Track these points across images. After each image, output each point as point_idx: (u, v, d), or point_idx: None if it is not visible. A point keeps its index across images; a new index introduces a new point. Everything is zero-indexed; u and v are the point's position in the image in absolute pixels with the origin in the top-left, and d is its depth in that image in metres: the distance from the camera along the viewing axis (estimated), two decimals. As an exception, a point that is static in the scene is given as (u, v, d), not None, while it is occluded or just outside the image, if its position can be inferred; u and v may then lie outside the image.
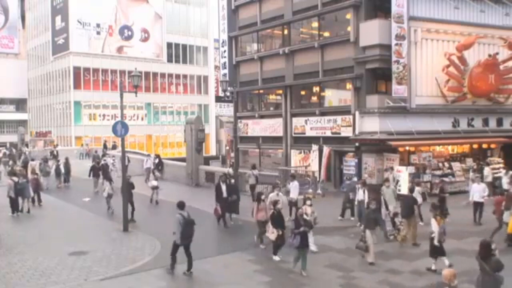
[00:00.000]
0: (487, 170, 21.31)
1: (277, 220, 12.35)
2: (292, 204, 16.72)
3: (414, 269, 11.36)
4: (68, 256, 12.64)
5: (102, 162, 26.32)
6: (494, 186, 21.57)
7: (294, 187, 17.24)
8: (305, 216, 12.33)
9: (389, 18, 22.07)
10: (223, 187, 16.57)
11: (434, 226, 11.29)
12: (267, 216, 13.31)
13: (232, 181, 17.55)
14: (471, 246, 13.26)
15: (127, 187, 16.65)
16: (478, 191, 16.07)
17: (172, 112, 61.67)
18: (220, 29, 33.04)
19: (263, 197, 14.09)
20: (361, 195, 15.90)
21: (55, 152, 33.23)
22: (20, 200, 18.02)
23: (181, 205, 11.43)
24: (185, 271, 11.27)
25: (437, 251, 11.24)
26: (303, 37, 28.34)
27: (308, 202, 13.54)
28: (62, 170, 25.69)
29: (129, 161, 28.98)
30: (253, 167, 22.55)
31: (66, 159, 26.99)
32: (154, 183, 20.94)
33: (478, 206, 16.05)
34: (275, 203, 12.96)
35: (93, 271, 11.46)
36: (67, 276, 11.09)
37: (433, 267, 11.25)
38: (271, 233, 12.25)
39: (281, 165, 26.53)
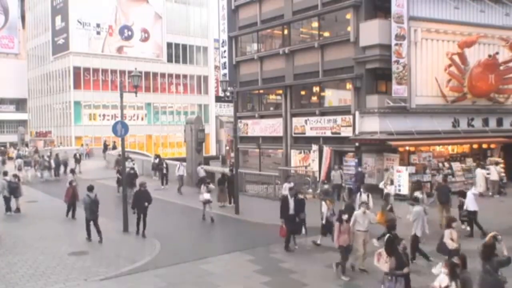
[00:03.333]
0: (493, 169, 21.57)
1: (393, 246, 9.38)
2: None
3: (414, 269, 11.34)
4: (68, 256, 12.65)
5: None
6: (500, 186, 21.80)
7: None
8: (449, 243, 10.04)
9: (389, 18, 22.07)
10: (291, 203, 13.57)
11: (324, 208, 13.65)
12: (350, 240, 11.21)
13: (300, 196, 14.35)
14: (472, 247, 13.26)
15: (140, 196, 15.06)
16: (470, 198, 14.62)
17: (172, 112, 61.69)
18: (220, 29, 33.03)
19: (345, 217, 11.30)
20: (365, 199, 14.56)
21: (77, 156, 32.38)
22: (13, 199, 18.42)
23: (90, 188, 14.58)
24: (99, 240, 13.93)
25: (325, 229, 13.36)
26: (303, 37, 28.34)
27: (454, 224, 10.66)
28: (53, 165, 28.87)
29: (165, 165, 26.93)
30: (199, 164, 24.75)
31: (57, 155, 30.90)
32: (207, 196, 17.17)
33: (470, 216, 14.53)
34: (391, 224, 10.41)
35: (93, 271, 11.46)
36: (67, 276, 11.09)
37: (318, 241, 13.65)
38: (384, 263, 9.29)
39: (281, 165, 26.53)
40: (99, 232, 14.10)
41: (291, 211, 13.48)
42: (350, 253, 11.35)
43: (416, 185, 17.15)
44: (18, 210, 18.51)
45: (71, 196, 17.41)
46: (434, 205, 15.83)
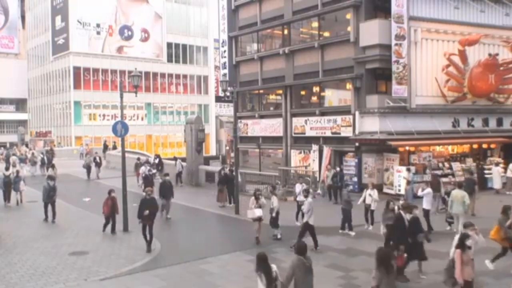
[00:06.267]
0: (511, 166, 22.05)
1: None
2: (301, 207, 16.59)
3: (414, 269, 11.34)
4: (68, 256, 12.65)
5: (147, 171, 22.75)
6: None
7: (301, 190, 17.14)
8: None
9: (389, 18, 22.10)
10: (407, 222, 10.77)
11: (275, 202, 14.41)
12: (474, 272, 8.66)
13: (416, 212, 11.26)
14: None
15: (145, 205, 13.35)
16: (425, 196, 15.20)
17: (172, 112, 61.68)
18: (220, 29, 33.05)
19: (469, 242, 8.71)
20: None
21: (97, 159, 30.87)
22: (13, 192, 20.66)
23: (51, 178, 17.69)
24: (52, 220, 16.69)
25: (274, 222, 14.25)
26: (303, 37, 28.35)
27: None
28: (45, 161, 31.32)
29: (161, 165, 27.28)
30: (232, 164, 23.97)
31: (48, 152, 33.89)
32: (258, 212, 14.01)
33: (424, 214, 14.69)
34: None
35: (93, 271, 11.46)
36: (67, 276, 11.09)
37: (278, 236, 14.37)
38: None
39: (281, 165, 26.54)
40: (54, 213, 16.90)
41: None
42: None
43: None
44: (20, 202, 20.65)
45: (110, 208, 15.18)
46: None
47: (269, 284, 7.12)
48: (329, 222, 16.34)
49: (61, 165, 35.60)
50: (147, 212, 13.14)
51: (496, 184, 22.01)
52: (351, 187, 16.35)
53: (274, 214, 14.42)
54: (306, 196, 14.36)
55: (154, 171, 23.61)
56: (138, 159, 27.60)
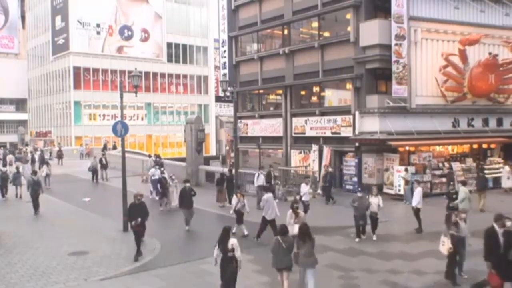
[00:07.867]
0: None
1: None
2: (306, 207, 16.53)
3: (414, 269, 11.35)
4: (68, 256, 12.65)
5: (158, 174, 21.73)
6: None
7: (307, 190, 17.15)
8: None
9: (389, 18, 22.10)
10: (501, 236, 8.99)
11: (234, 200, 15.06)
12: None
13: (508, 224, 9.13)
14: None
15: (134, 211, 12.71)
16: (415, 195, 15.45)
17: (172, 112, 61.68)
18: (220, 29, 33.04)
19: None
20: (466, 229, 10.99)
21: (103, 161, 28.85)
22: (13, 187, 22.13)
23: (34, 173, 19.51)
24: (35, 213, 18.02)
25: (237, 220, 14.86)
26: (303, 37, 28.35)
27: None
28: (35, 159, 32.34)
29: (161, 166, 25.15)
30: (261, 168, 22.65)
31: (41, 151, 35.73)
32: (297, 229, 11.26)
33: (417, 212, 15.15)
34: None
35: (93, 271, 11.46)
36: (67, 276, 11.10)
37: (233, 230, 14.09)
38: None
39: (281, 165, 26.53)
40: (38, 206, 18.15)
41: (501, 248, 8.91)
42: None
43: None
44: (20, 196, 21.72)
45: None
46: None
47: (223, 253, 8.89)
48: (328, 222, 16.38)
49: (60, 165, 35.73)
50: (139, 220, 12.46)
51: (505, 183, 22.52)
52: (360, 193, 15.03)
53: (231, 212, 15.20)
54: (263, 193, 15.18)
55: (171, 174, 21.34)
56: (150, 157, 26.25)
